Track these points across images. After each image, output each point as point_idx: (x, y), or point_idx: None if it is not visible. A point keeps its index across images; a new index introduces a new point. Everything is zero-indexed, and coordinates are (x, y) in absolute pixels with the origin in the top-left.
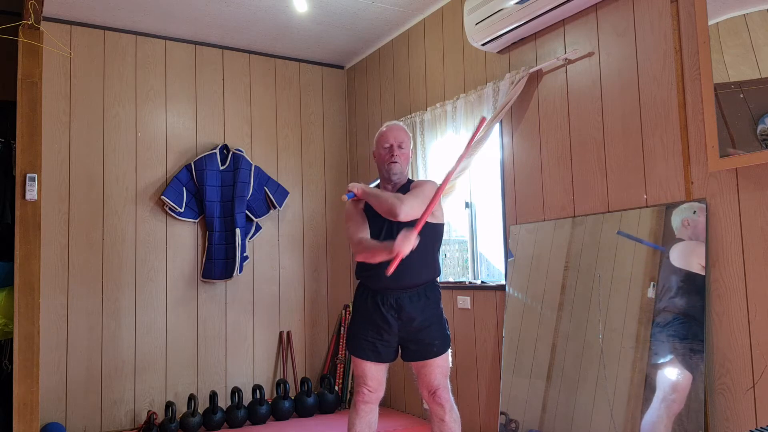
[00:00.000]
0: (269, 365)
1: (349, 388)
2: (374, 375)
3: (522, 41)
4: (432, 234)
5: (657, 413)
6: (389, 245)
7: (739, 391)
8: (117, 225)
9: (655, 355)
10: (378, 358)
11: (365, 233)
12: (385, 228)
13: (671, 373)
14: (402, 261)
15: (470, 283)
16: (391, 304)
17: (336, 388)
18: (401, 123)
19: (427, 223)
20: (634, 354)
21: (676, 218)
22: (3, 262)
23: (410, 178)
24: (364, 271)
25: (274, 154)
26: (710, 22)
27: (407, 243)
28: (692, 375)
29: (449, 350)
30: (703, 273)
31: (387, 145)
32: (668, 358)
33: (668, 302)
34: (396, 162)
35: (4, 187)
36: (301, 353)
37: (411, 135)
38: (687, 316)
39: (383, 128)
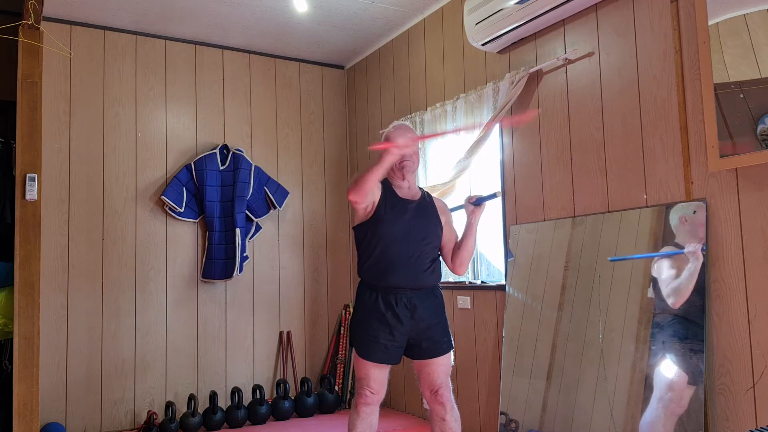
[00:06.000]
0: (269, 365)
1: (349, 388)
2: (378, 377)
3: (522, 41)
4: (439, 241)
5: (656, 413)
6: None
7: (739, 391)
8: (117, 225)
9: (655, 356)
10: (388, 360)
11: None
12: (409, 226)
13: (671, 374)
14: (417, 263)
15: (470, 283)
16: (405, 303)
17: (336, 388)
18: (407, 123)
19: (439, 228)
20: (634, 354)
21: (674, 217)
22: (3, 262)
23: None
24: (377, 272)
25: (274, 154)
26: (710, 22)
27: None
28: (692, 375)
29: (453, 349)
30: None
31: None
32: (668, 358)
33: (668, 302)
34: (409, 161)
35: (4, 187)
36: (301, 353)
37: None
38: (687, 317)
39: (390, 129)
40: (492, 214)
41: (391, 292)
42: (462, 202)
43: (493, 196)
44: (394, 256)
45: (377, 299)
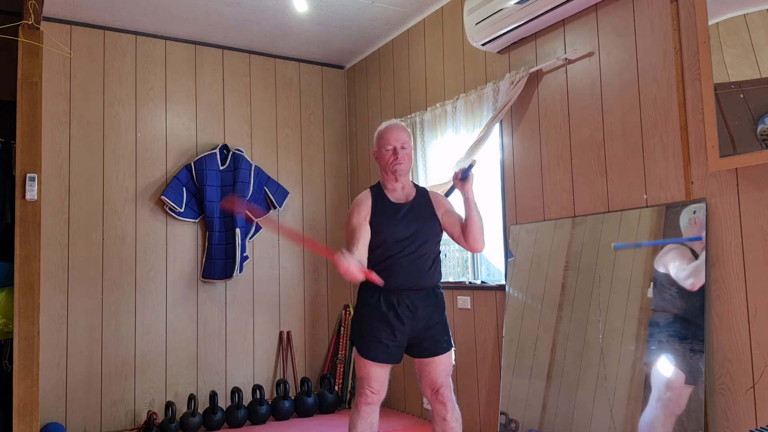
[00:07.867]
0: (269, 365)
1: (349, 388)
2: (379, 377)
3: (522, 41)
4: (439, 238)
5: (655, 413)
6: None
7: (739, 391)
8: (117, 225)
9: (655, 355)
10: (389, 359)
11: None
12: (406, 229)
13: (671, 373)
14: (417, 264)
15: (470, 283)
16: (407, 304)
17: (336, 388)
18: (400, 121)
19: (437, 225)
20: (634, 354)
21: (684, 218)
22: (3, 262)
23: (412, 181)
24: (379, 271)
25: (274, 154)
26: (710, 22)
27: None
28: (692, 375)
29: (453, 349)
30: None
31: (390, 147)
32: (668, 358)
33: (668, 302)
34: (401, 164)
35: (4, 187)
36: (301, 353)
37: (410, 132)
38: (687, 316)
39: (383, 128)
40: (492, 214)
41: (393, 293)
42: (451, 183)
43: (472, 164)
44: (395, 258)
45: (379, 299)
